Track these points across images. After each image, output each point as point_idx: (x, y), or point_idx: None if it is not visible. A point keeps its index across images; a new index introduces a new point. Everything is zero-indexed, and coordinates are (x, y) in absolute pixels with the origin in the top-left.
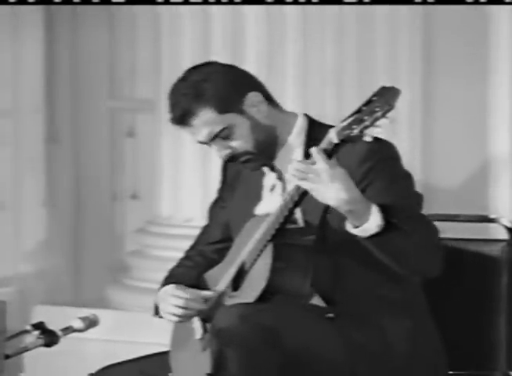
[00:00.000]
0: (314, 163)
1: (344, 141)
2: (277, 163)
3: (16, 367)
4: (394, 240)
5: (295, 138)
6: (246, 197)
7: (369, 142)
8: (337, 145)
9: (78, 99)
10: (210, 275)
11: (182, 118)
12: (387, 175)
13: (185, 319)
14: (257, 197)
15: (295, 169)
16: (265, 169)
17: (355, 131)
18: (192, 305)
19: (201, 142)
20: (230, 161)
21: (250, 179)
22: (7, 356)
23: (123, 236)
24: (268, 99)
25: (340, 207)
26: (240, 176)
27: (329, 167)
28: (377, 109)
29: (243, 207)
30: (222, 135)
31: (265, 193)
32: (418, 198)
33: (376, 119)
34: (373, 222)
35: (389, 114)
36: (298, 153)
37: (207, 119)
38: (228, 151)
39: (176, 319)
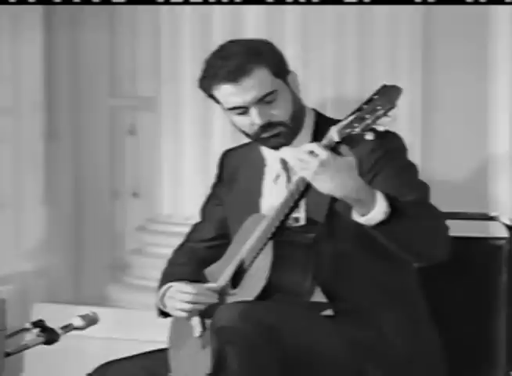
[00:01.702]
0: (316, 155)
1: (346, 139)
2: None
3: (16, 365)
4: (401, 226)
5: (304, 131)
6: (246, 194)
7: (378, 133)
8: (338, 143)
9: (78, 97)
10: (209, 272)
11: (233, 74)
12: (396, 163)
13: (194, 314)
14: (257, 194)
15: (297, 158)
16: (271, 159)
17: (357, 130)
18: (201, 299)
19: (235, 108)
20: (262, 132)
21: (249, 175)
22: (7, 354)
23: (123, 234)
24: None
25: (348, 196)
26: (238, 172)
27: (334, 158)
28: (379, 107)
29: (242, 203)
30: (267, 99)
31: (267, 187)
32: (425, 187)
33: (378, 117)
34: (379, 210)
35: (391, 113)
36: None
37: (260, 78)
38: (266, 118)
39: (186, 314)
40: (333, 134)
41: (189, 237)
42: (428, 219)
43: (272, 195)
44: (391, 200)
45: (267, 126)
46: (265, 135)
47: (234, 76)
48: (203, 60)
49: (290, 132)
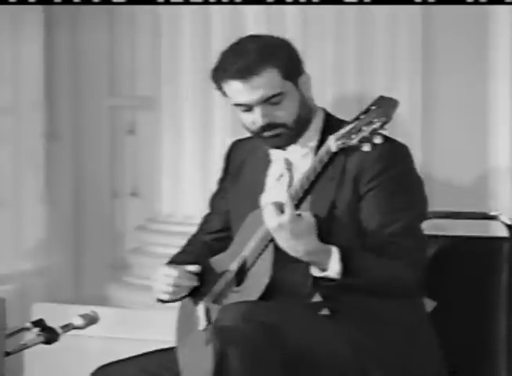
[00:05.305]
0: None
1: (343, 150)
2: (290, 153)
3: (16, 365)
4: (357, 281)
5: (311, 132)
6: (250, 188)
7: (382, 144)
8: (335, 153)
9: (78, 97)
10: (214, 262)
11: (242, 72)
12: (393, 182)
13: (174, 295)
14: (260, 189)
15: (266, 209)
16: (276, 156)
17: (353, 142)
18: (180, 282)
19: (241, 105)
20: (263, 131)
21: (254, 170)
22: (7, 354)
23: (123, 233)
24: None
25: (299, 257)
26: (244, 167)
27: (293, 223)
28: (375, 119)
29: (246, 198)
30: (273, 101)
31: (270, 183)
32: (417, 208)
33: (375, 130)
34: (332, 270)
35: (387, 126)
36: (312, 145)
37: (269, 80)
38: (268, 119)
39: (167, 296)
40: (331, 143)
41: (200, 229)
42: (390, 266)
43: (274, 192)
44: (348, 257)
45: (268, 126)
46: (265, 134)
47: (243, 74)
48: (220, 52)
49: (291, 134)
